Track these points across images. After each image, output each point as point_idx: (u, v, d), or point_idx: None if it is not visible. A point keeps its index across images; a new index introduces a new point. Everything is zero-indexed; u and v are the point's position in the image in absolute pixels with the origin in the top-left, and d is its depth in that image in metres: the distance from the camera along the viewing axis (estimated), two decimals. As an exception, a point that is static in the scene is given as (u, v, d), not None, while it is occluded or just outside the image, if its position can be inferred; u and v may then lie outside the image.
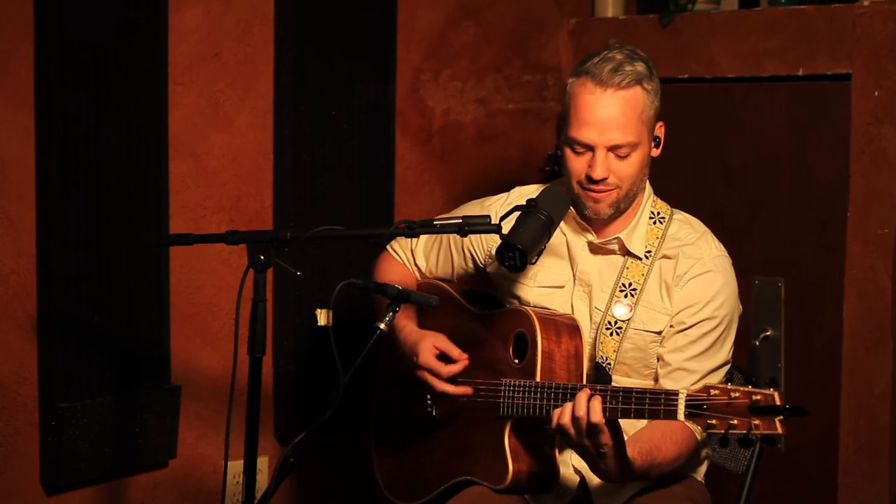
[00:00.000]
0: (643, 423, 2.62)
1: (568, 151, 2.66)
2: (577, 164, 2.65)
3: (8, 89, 3.03)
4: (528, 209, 2.52)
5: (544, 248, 2.54)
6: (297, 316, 3.51)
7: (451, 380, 2.72)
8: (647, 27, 3.85)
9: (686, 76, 3.77)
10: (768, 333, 3.58)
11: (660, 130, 2.71)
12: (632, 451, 2.48)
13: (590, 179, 2.63)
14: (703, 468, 2.81)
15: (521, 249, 2.46)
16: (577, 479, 2.70)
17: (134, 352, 3.24)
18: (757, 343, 3.57)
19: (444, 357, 2.73)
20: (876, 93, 3.37)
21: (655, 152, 2.72)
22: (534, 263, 2.57)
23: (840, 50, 3.43)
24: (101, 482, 3.25)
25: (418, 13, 3.77)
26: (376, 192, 3.67)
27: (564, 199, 2.62)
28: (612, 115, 2.60)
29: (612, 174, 2.63)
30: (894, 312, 3.37)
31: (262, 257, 2.42)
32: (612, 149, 2.62)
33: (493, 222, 2.49)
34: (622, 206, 2.68)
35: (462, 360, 2.72)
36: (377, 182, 3.67)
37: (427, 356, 2.72)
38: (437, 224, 2.47)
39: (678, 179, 3.78)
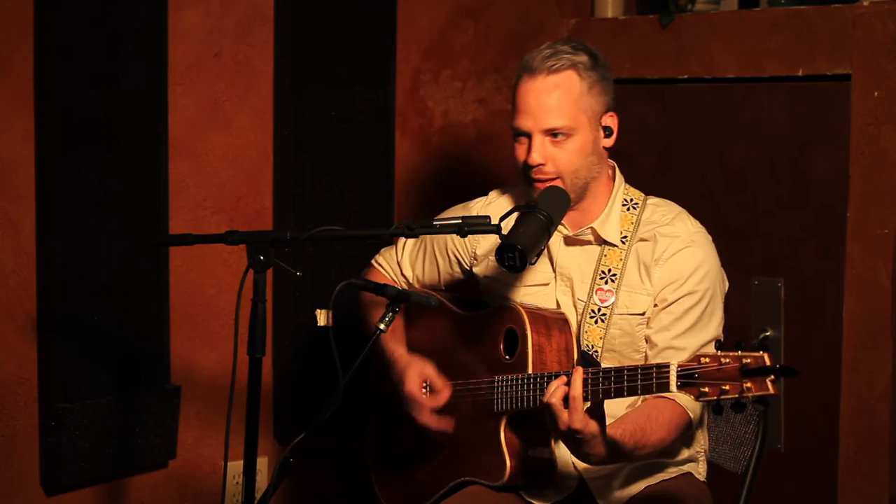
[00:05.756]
0: (625, 404, 2.63)
1: (514, 143, 2.70)
2: (518, 153, 2.69)
3: (8, 89, 3.03)
4: (527, 209, 2.52)
5: (544, 248, 2.54)
6: (297, 316, 3.51)
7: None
8: (647, 27, 3.86)
9: (686, 76, 3.77)
10: (768, 333, 3.59)
11: (610, 120, 2.71)
12: (615, 432, 2.47)
13: (526, 165, 2.65)
14: (704, 468, 2.81)
15: (520, 250, 2.46)
16: (576, 474, 2.70)
17: (134, 352, 3.24)
18: (757, 343, 3.57)
19: (431, 387, 2.74)
20: (876, 93, 3.36)
21: (607, 142, 2.71)
22: (533, 263, 2.57)
23: (840, 50, 3.43)
24: (101, 482, 3.25)
25: (418, 13, 3.77)
26: (376, 192, 3.67)
27: (565, 199, 2.62)
28: (543, 99, 2.64)
29: (549, 161, 2.64)
30: (894, 312, 3.37)
31: (261, 257, 2.42)
32: (548, 133, 2.64)
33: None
34: (572, 196, 2.67)
35: (445, 392, 2.73)
36: (377, 182, 3.67)
37: (412, 386, 2.74)
38: (436, 224, 2.47)
39: (678, 179, 3.79)
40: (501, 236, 2.47)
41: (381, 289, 2.52)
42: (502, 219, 2.54)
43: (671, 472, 2.74)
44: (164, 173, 3.28)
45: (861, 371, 3.42)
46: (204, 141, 3.38)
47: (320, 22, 3.51)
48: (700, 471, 2.80)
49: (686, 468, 2.77)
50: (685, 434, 2.68)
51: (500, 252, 2.49)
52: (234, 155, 3.44)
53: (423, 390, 2.75)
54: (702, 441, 2.80)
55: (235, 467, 3.39)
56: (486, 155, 3.95)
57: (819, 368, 3.49)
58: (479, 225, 2.47)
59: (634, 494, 2.70)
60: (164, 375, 3.32)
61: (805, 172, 3.55)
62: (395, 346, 2.83)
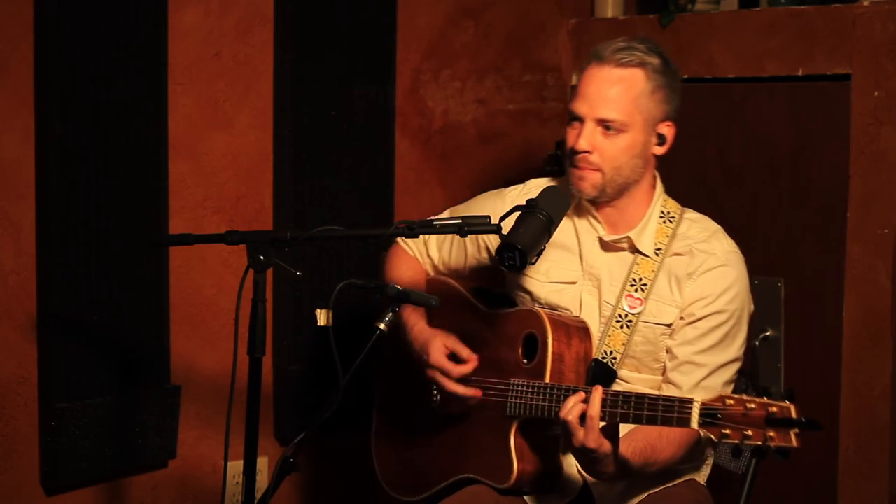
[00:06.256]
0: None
1: (567, 127, 2.70)
2: (569, 137, 2.69)
3: (8, 89, 3.03)
4: (527, 209, 2.52)
5: (544, 248, 2.54)
6: (297, 316, 3.51)
7: (462, 380, 2.72)
8: (647, 27, 3.85)
9: (686, 76, 3.75)
10: (768, 333, 3.57)
11: (666, 129, 2.71)
12: (625, 449, 2.47)
13: (573, 150, 2.65)
14: (706, 472, 2.80)
15: (520, 249, 2.46)
16: (580, 480, 2.69)
17: (134, 352, 3.24)
18: (757, 343, 3.56)
19: (454, 357, 2.73)
20: (876, 93, 3.36)
21: (659, 150, 2.72)
22: (533, 264, 2.57)
23: (840, 50, 3.43)
24: (101, 482, 3.25)
25: (418, 13, 3.77)
26: (376, 192, 3.67)
27: (565, 199, 2.62)
28: (603, 89, 2.64)
29: (595, 151, 2.65)
30: (894, 312, 3.37)
31: (261, 257, 2.42)
32: (600, 123, 2.64)
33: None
34: (608, 191, 2.68)
35: (472, 360, 2.72)
36: (377, 182, 3.67)
37: (438, 356, 2.73)
38: (436, 224, 2.47)
39: (678, 179, 3.77)
40: (501, 236, 2.47)
41: (382, 289, 2.52)
42: (502, 218, 2.54)
43: (674, 479, 2.73)
44: (164, 173, 3.28)
45: (861, 371, 3.42)
46: (204, 140, 3.38)
47: (320, 22, 3.51)
48: (702, 475, 2.79)
49: (689, 474, 2.77)
50: (694, 450, 2.67)
51: (501, 252, 2.49)
52: (234, 154, 3.44)
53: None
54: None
55: (235, 467, 3.39)
56: (486, 155, 3.95)
57: (819, 368, 3.49)
58: (480, 225, 2.47)
59: (637, 502, 2.70)
60: (164, 375, 3.32)
61: (805, 172, 3.55)
62: (417, 319, 2.82)
